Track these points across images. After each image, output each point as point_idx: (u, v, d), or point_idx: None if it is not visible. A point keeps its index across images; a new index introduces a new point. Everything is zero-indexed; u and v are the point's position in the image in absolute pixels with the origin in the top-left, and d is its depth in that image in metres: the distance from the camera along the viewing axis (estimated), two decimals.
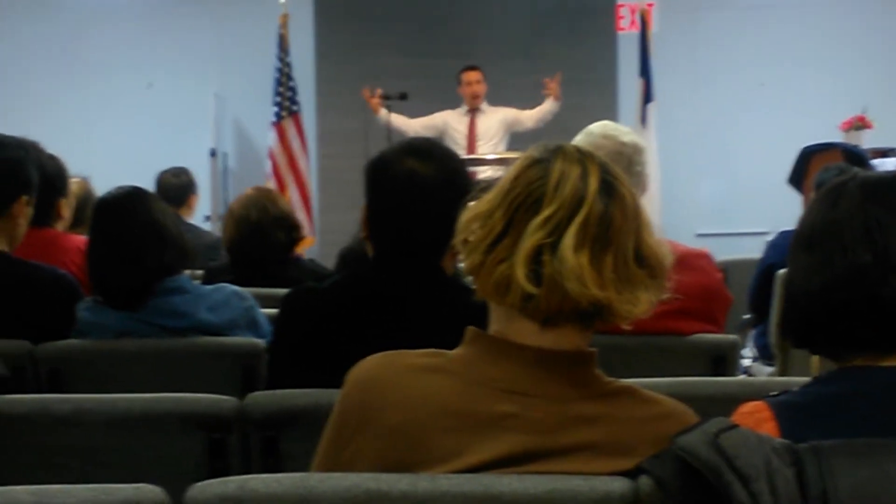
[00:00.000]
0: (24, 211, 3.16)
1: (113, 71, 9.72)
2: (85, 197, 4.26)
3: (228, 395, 2.33)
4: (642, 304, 1.56)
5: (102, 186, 3.55)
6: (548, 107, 8.38)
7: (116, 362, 2.95)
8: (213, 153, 9.42)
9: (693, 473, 1.41)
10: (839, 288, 1.58)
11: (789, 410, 1.56)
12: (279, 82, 9.11)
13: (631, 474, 1.51)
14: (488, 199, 1.61)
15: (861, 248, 1.58)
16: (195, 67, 9.75)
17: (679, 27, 9.75)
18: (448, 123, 8.53)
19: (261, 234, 4.15)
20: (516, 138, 8.47)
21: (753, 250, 5.91)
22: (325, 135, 9.60)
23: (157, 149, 8.85)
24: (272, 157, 9.07)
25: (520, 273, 1.52)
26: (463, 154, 7.43)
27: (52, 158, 3.69)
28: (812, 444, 1.43)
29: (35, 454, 2.29)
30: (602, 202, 1.55)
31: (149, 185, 5.48)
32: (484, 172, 6.97)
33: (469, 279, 1.65)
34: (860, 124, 8.25)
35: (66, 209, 3.77)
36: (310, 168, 9.25)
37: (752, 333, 4.82)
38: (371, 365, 1.65)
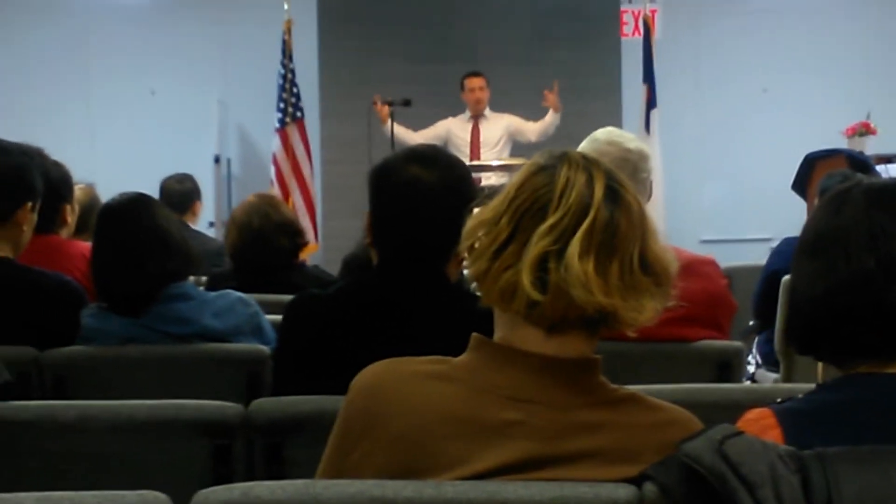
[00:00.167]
0: (29, 217, 3.16)
1: (117, 77, 9.73)
2: (90, 203, 4.27)
3: (233, 402, 2.33)
4: (648, 311, 1.56)
5: (106, 193, 3.56)
6: (550, 119, 8.37)
7: (121, 369, 2.95)
8: (216, 159, 9.44)
9: (698, 480, 1.41)
10: (843, 294, 1.58)
11: (794, 417, 1.56)
12: (283, 88, 9.11)
13: (636, 481, 1.51)
14: (494, 205, 1.61)
15: (865, 254, 1.58)
16: (199, 74, 9.76)
17: (682, 33, 9.76)
18: (451, 131, 8.53)
19: (263, 241, 4.15)
20: (520, 145, 8.47)
21: (757, 257, 5.91)
22: (328, 141, 9.60)
23: (161, 155, 8.86)
24: (276, 163, 9.07)
25: (525, 280, 1.52)
26: (466, 161, 7.43)
27: (57, 165, 3.70)
28: (817, 451, 1.43)
29: (40, 460, 2.29)
30: (608, 209, 1.55)
31: (153, 191, 5.50)
32: (488, 179, 6.99)
33: (474, 286, 1.65)
34: (864, 130, 8.25)
35: (71, 216, 3.77)
36: (313, 174, 9.25)
37: (756, 340, 4.82)
38: (375, 372, 1.65)
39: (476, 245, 1.61)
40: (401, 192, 2.33)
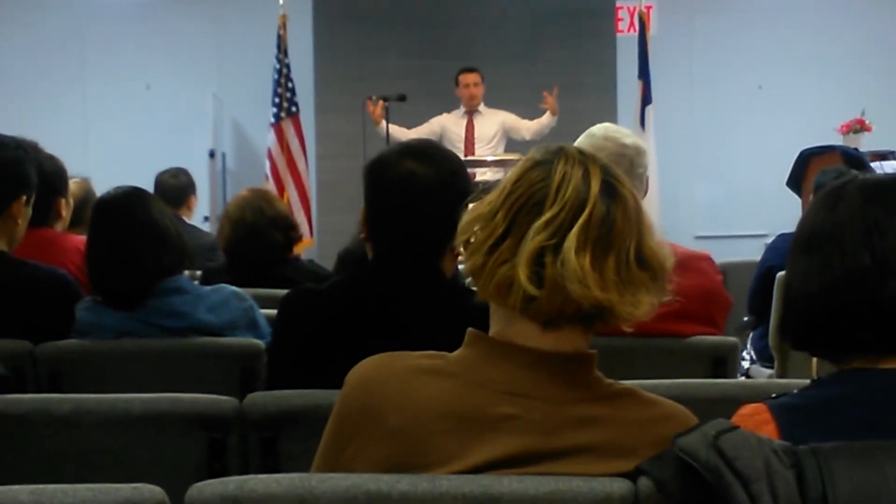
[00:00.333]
0: (23, 211, 3.16)
1: (112, 72, 9.73)
2: (85, 197, 4.26)
3: (228, 396, 2.33)
4: (644, 305, 1.56)
5: (101, 187, 3.55)
6: (546, 121, 8.35)
7: (116, 362, 2.95)
8: (211, 154, 9.43)
9: (693, 475, 1.41)
10: (838, 290, 1.58)
11: (789, 412, 1.56)
12: (278, 83, 9.10)
13: (631, 476, 1.51)
14: (489, 200, 1.61)
15: (860, 250, 1.58)
16: (194, 68, 9.76)
17: (677, 30, 9.77)
18: (445, 126, 8.52)
19: (257, 236, 4.14)
20: (514, 142, 8.46)
21: (752, 253, 5.91)
22: (323, 136, 9.60)
23: (156, 150, 8.85)
24: (271, 157, 9.07)
25: (522, 275, 1.52)
26: (461, 156, 7.42)
27: (51, 158, 3.69)
28: (812, 446, 1.43)
29: (34, 454, 2.29)
30: (604, 204, 1.55)
31: (147, 185, 5.48)
32: (483, 174, 6.97)
33: (469, 281, 1.65)
34: (859, 127, 8.26)
35: (65, 209, 3.77)
36: (308, 169, 9.24)
37: (751, 336, 4.82)
38: (371, 366, 1.65)
39: (472, 240, 1.60)
40: (396, 187, 2.33)
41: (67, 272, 3.22)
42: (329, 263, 4.70)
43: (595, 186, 1.56)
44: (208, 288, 3.14)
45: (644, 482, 1.49)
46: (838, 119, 8.43)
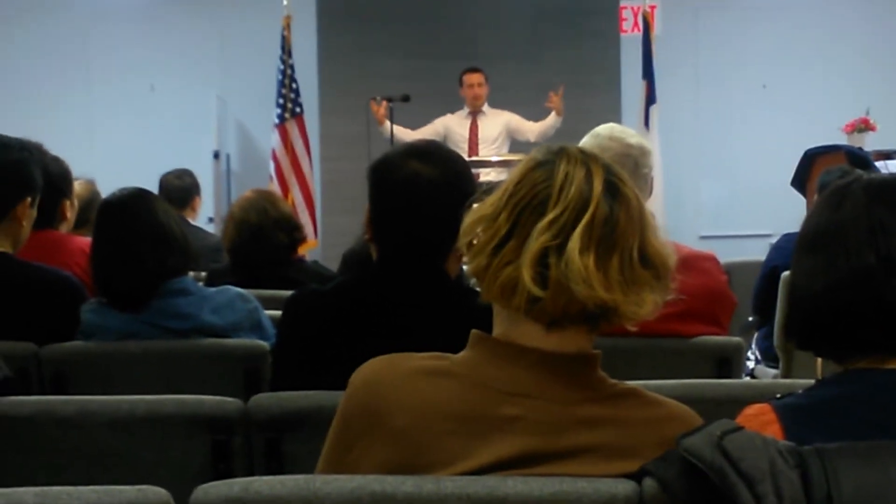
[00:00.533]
0: (28, 213, 3.16)
1: (116, 73, 9.74)
2: (91, 198, 4.27)
3: (232, 397, 2.33)
4: (648, 305, 1.55)
5: (106, 188, 3.56)
6: (550, 122, 8.33)
7: (120, 364, 2.95)
8: (216, 155, 9.44)
9: (698, 475, 1.41)
10: (843, 290, 1.58)
11: (794, 413, 1.56)
12: (282, 84, 9.10)
13: (635, 476, 1.51)
14: (492, 201, 1.60)
15: (865, 250, 1.58)
16: (198, 69, 9.76)
17: (681, 29, 9.76)
18: (449, 127, 8.51)
19: (261, 237, 4.14)
20: (518, 141, 8.45)
21: (757, 253, 5.91)
22: (327, 137, 9.60)
23: (160, 151, 8.86)
24: (275, 158, 9.07)
25: (526, 276, 1.51)
26: (465, 157, 7.40)
27: (56, 160, 3.69)
28: (816, 447, 1.43)
29: (39, 456, 2.29)
30: (607, 203, 1.55)
31: (152, 186, 5.49)
32: (487, 175, 6.97)
33: (473, 282, 1.65)
34: (863, 126, 8.24)
35: (70, 211, 3.77)
36: (312, 170, 9.24)
37: (755, 336, 4.82)
38: (375, 367, 1.65)
39: (475, 241, 1.60)
40: (400, 188, 2.33)
41: (72, 274, 3.22)
42: (333, 265, 4.70)
43: (598, 186, 1.55)
44: (213, 289, 3.14)
45: (649, 483, 1.48)
46: (843, 118, 8.42)
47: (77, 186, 3.95)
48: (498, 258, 1.55)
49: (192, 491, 1.51)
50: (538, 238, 1.52)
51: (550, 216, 1.53)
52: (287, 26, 9.12)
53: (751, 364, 4.72)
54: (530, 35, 9.69)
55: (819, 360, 1.78)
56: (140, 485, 1.51)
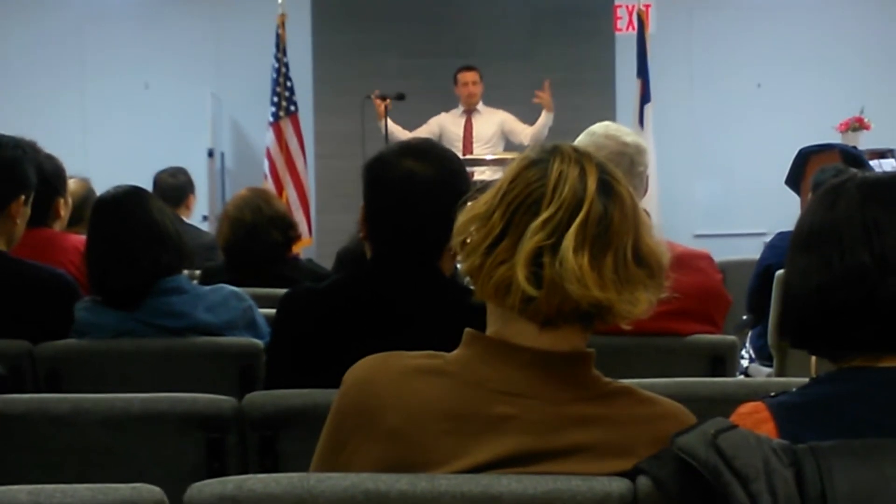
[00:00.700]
0: (22, 210, 3.16)
1: (110, 71, 9.72)
2: (86, 196, 4.26)
3: (226, 396, 2.33)
4: (642, 303, 1.55)
5: (100, 186, 3.55)
6: (543, 121, 8.28)
7: (114, 362, 2.95)
8: (210, 153, 9.42)
9: (692, 474, 1.41)
10: (837, 288, 1.58)
11: (788, 411, 1.56)
12: (276, 82, 9.09)
13: (630, 475, 1.51)
14: (485, 200, 1.60)
15: (859, 248, 1.58)
16: (193, 67, 9.75)
17: (676, 28, 9.77)
18: (443, 126, 8.50)
19: (256, 235, 4.14)
20: (512, 144, 8.43)
21: (751, 251, 5.91)
22: (322, 135, 9.60)
23: (155, 148, 8.85)
24: (269, 157, 9.06)
25: (520, 275, 1.51)
26: (459, 155, 7.38)
27: (50, 158, 3.69)
28: (810, 445, 1.43)
29: (33, 454, 2.29)
30: (601, 202, 1.54)
31: (146, 184, 5.48)
32: (482, 173, 6.96)
33: (467, 280, 1.64)
34: (857, 125, 8.26)
35: (64, 209, 3.77)
36: (307, 168, 9.23)
37: (750, 334, 4.82)
38: (368, 366, 1.65)
39: (468, 240, 1.60)
40: (395, 186, 2.33)
41: (66, 272, 3.22)
42: (328, 263, 4.69)
43: (592, 185, 1.55)
44: (207, 287, 3.14)
45: (643, 481, 1.48)
46: (837, 117, 8.44)
47: (71, 184, 3.95)
48: (492, 257, 1.55)
49: (186, 489, 1.51)
50: (532, 237, 1.52)
51: (544, 215, 1.53)
52: (282, 24, 9.10)
53: (745, 362, 4.72)
54: (525, 33, 9.69)
55: (813, 358, 1.78)
56: (134, 483, 1.51)
